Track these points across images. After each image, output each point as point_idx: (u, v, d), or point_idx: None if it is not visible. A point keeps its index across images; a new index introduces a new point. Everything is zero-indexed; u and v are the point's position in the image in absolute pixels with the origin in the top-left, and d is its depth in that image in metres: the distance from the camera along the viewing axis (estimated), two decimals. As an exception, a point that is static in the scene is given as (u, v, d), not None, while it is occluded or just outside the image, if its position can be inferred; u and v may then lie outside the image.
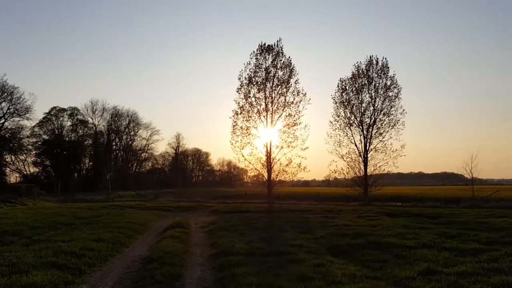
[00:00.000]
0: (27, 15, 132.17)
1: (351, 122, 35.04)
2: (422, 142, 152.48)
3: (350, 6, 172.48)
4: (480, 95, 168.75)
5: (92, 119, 69.85)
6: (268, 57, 32.74)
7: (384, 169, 34.78)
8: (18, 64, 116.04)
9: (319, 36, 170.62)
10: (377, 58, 34.59)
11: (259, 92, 32.83)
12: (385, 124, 34.33)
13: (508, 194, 36.71)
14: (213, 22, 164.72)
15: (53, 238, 12.29)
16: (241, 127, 33.07)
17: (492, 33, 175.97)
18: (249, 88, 32.88)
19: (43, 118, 64.44)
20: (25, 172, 62.09)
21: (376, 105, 34.39)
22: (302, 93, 32.71)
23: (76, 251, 10.02)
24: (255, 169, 33.98)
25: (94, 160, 69.29)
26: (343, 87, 35.26)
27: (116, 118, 73.71)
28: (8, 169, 58.59)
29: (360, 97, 34.76)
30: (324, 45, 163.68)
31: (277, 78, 32.63)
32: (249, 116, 32.98)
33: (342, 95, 35.28)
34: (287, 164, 32.93)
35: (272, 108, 32.73)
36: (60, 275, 7.91)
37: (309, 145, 32.88)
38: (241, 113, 33.11)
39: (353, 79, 35.03)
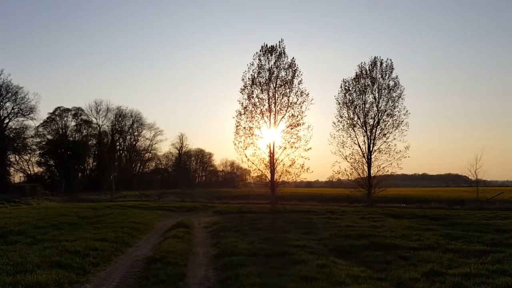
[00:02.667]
0: (31, 15, 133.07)
1: (355, 123, 34.98)
2: (426, 143, 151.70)
3: (352, 6, 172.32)
4: (485, 95, 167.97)
5: (96, 119, 70.32)
6: (271, 58, 32.75)
7: (388, 170, 34.65)
8: (22, 64, 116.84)
9: (322, 36, 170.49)
10: (382, 59, 34.57)
11: (262, 93, 32.86)
12: (388, 125, 34.23)
13: (512, 196, 36.48)
14: (216, 22, 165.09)
15: (57, 238, 12.35)
16: (244, 128, 33.12)
17: (496, 33, 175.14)
18: (252, 89, 32.92)
19: (47, 118, 64.89)
20: (29, 172, 62.45)
21: (379, 106, 34.32)
22: (305, 94, 32.71)
23: (80, 251, 10.07)
24: (258, 169, 34.00)
25: (98, 160, 69.57)
26: (347, 87, 35.22)
27: (120, 119, 74.11)
28: (12, 168, 59.06)
29: (363, 97, 34.71)
30: (327, 46, 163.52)
31: (280, 78, 32.63)
32: (252, 117, 33.03)
33: (345, 95, 35.25)
34: (290, 165, 32.91)
35: (275, 109, 32.73)
36: (64, 274, 7.95)
37: (312, 146, 32.87)
38: (244, 113, 33.15)
39: (356, 79, 34.98)
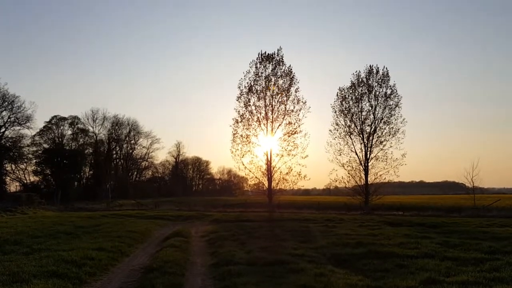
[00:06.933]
0: (28, 24, 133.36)
1: (351, 130, 35.17)
2: (423, 151, 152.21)
3: (350, 14, 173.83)
4: (481, 103, 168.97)
5: (93, 127, 70.00)
6: (268, 66, 32.96)
7: (385, 178, 34.81)
8: (19, 73, 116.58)
9: (319, 44, 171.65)
10: (378, 67, 34.86)
11: (259, 101, 33.03)
12: (385, 133, 34.46)
13: (509, 203, 36.61)
14: (213, 29, 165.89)
15: (54, 247, 12.27)
16: (241, 135, 33.21)
17: (493, 40, 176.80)
18: (249, 97, 33.09)
19: (44, 127, 64.53)
20: (25, 181, 62.05)
21: (376, 114, 34.53)
22: (302, 101, 32.91)
23: (76, 260, 10.01)
24: (256, 177, 34.03)
25: (95, 169, 69.23)
26: (343, 95, 35.45)
27: (117, 127, 73.88)
28: (8, 178, 58.63)
29: (360, 105, 34.95)
30: (325, 53, 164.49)
31: (277, 86, 32.81)
32: (249, 125, 33.14)
33: (341, 103, 35.48)
34: (287, 173, 32.98)
35: (272, 116, 32.90)
36: (60, 284, 7.90)
37: (309, 154, 33.02)
38: (241, 121, 33.27)
39: (352, 87, 35.22)
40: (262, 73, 32.91)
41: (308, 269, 9.39)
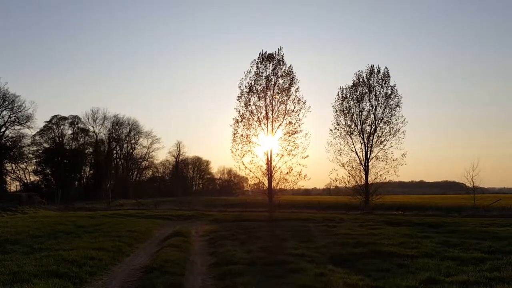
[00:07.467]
0: (28, 24, 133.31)
1: (352, 130, 35.19)
2: (423, 151, 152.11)
3: (350, 14, 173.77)
4: (481, 103, 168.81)
5: (93, 127, 70.01)
6: (269, 66, 32.90)
7: (385, 178, 34.83)
8: (19, 72, 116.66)
9: (319, 44, 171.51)
10: (379, 67, 34.88)
11: (259, 100, 32.97)
12: (385, 133, 34.47)
13: (510, 203, 36.55)
14: (214, 29, 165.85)
15: (54, 247, 12.29)
16: (242, 135, 33.15)
17: (493, 41, 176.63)
18: (250, 96, 33.02)
19: (44, 126, 64.59)
20: (25, 181, 62.13)
21: (376, 114, 34.54)
22: (303, 101, 32.87)
23: (77, 260, 10.02)
24: (256, 177, 33.96)
25: (95, 168, 69.25)
26: (344, 95, 35.48)
27: (117, 127, 73.83)
28: (9, 177, 58.75)
29: (360, 105, 34.97)
30: (325, 53, 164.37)
31: (278, 86, 32.80)
32: (249, 124, 33.07)
33: (342, 103, 35.50)
34: (287, 172, 32.92)
35: (273, 116, 32.85)
36: (61, 283, 7.90)
37: (309, 153, 32.91)
38: (241, 121, 33.21)
39: (353, 87, 35.24)
40: (262, 73, 32.87)
41: (308, 268, 9.39)
